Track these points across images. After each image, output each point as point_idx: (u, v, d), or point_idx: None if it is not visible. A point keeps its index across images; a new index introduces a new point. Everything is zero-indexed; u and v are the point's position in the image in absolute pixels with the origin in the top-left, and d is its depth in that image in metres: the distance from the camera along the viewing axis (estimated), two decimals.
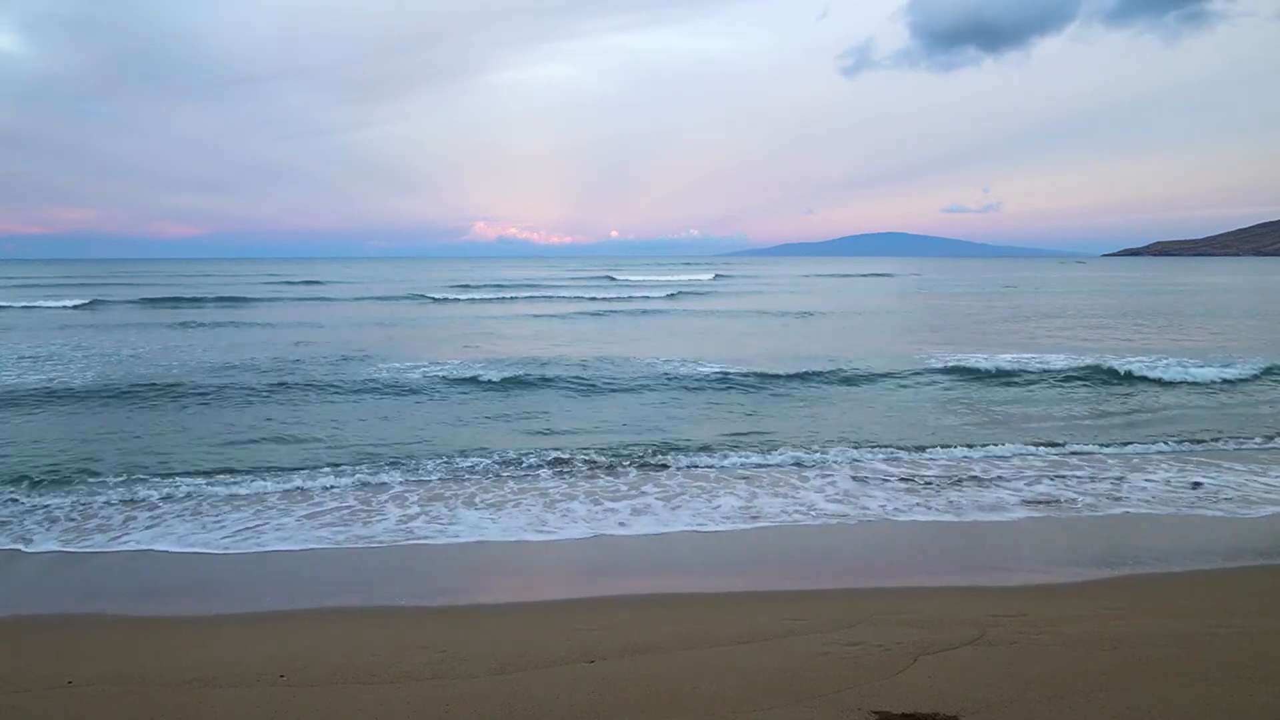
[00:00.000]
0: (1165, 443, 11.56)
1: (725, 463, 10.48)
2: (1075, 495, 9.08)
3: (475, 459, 10.49)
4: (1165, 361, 18.26)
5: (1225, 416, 13.48)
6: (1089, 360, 18.34)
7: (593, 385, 16.19)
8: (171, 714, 4.07)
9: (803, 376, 16.76)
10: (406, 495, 9.12)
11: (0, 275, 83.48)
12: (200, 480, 9.56)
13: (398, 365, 18.32)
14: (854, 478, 9.81)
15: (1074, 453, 11.04)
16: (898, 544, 7.77)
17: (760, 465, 10.39)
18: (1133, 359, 18.60)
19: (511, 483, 9.62)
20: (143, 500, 8.89)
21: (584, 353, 20.99)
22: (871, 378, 16.88)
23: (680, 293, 52.32)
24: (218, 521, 8.24)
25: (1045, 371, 17.33)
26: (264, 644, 5.28)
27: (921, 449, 11.14)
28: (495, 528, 8.10)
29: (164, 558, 7.39)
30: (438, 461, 10.40)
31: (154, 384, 15.67)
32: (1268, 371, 17.15)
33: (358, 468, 10.09)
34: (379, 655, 4.88)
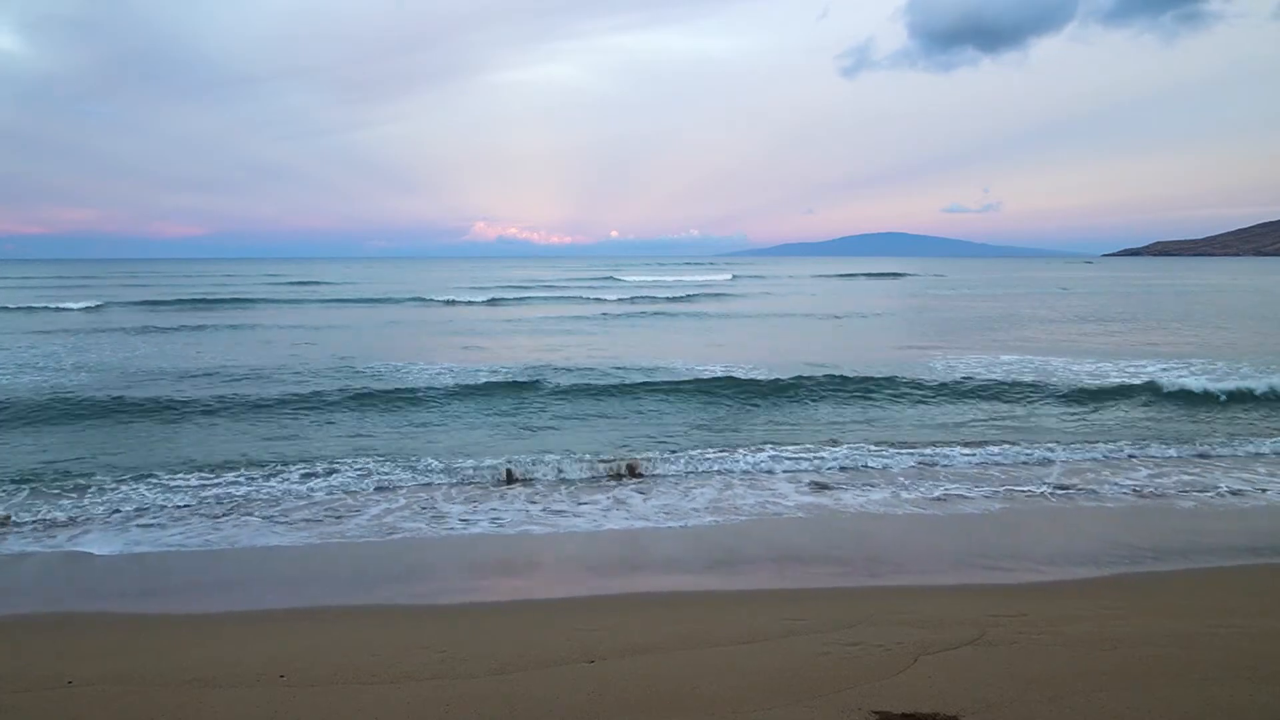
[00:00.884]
0: None
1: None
2: None
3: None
4: None
5: None
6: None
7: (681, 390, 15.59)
8: (171, 714, 4.06)
9: (891, 381, 15.95)
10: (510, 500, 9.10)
11: (0, 275, 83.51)
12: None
13: (451, 376, 16.96)
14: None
15: None
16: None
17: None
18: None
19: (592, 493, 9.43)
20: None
21: (644, 358, 19.92)
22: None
23: (699, 294, 50.33)
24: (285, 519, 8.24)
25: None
26: (264, 644, 5.28)
27: None
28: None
29: (164, 556, 7.40)
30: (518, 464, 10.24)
31: (191, 399, 14.29)
32: None
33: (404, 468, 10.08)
34: (379, 655, 4.88)
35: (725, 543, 7.78)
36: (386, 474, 9.88)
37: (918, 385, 15.90)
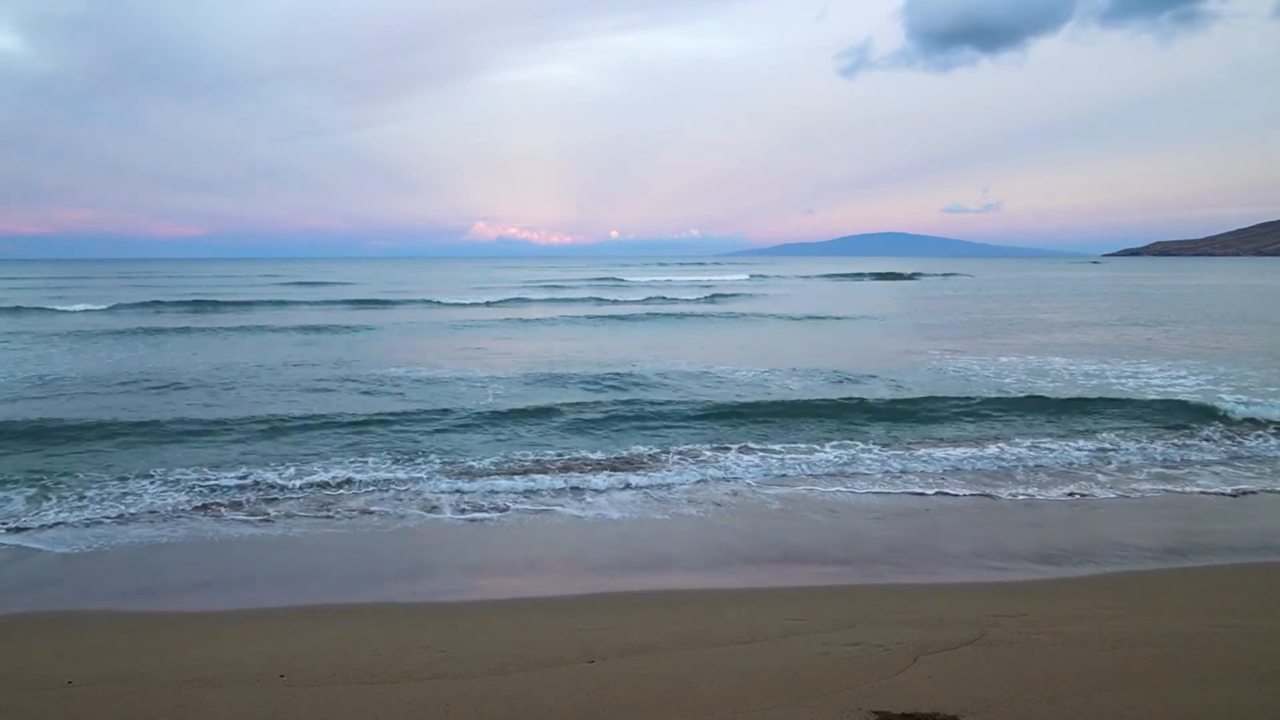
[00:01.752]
0: None
1: None
2: None
3: None
4: None
5: None
6: None
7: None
8: (171, 714, 4.06)
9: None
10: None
11: (1, 275, 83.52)
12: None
13: (517, 388, 15.95)
14: None
15: None
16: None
17: None
18: None
19: None
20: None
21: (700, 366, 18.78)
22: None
23: (722, 294, 48.81)
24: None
25: None
26: (264, 644, 5.28)
27: None
28: None
29: (167, 557, 7.40)
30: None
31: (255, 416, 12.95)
32: None
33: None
34: (379, 655, 4.88)
35: (726, 542, 7.78)
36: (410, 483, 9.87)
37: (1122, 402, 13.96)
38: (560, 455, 10.81)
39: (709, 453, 10.94)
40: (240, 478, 9.66)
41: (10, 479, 9.55)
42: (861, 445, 11.36)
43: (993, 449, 11.14)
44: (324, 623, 5.85)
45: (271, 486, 9.38)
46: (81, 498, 8.93)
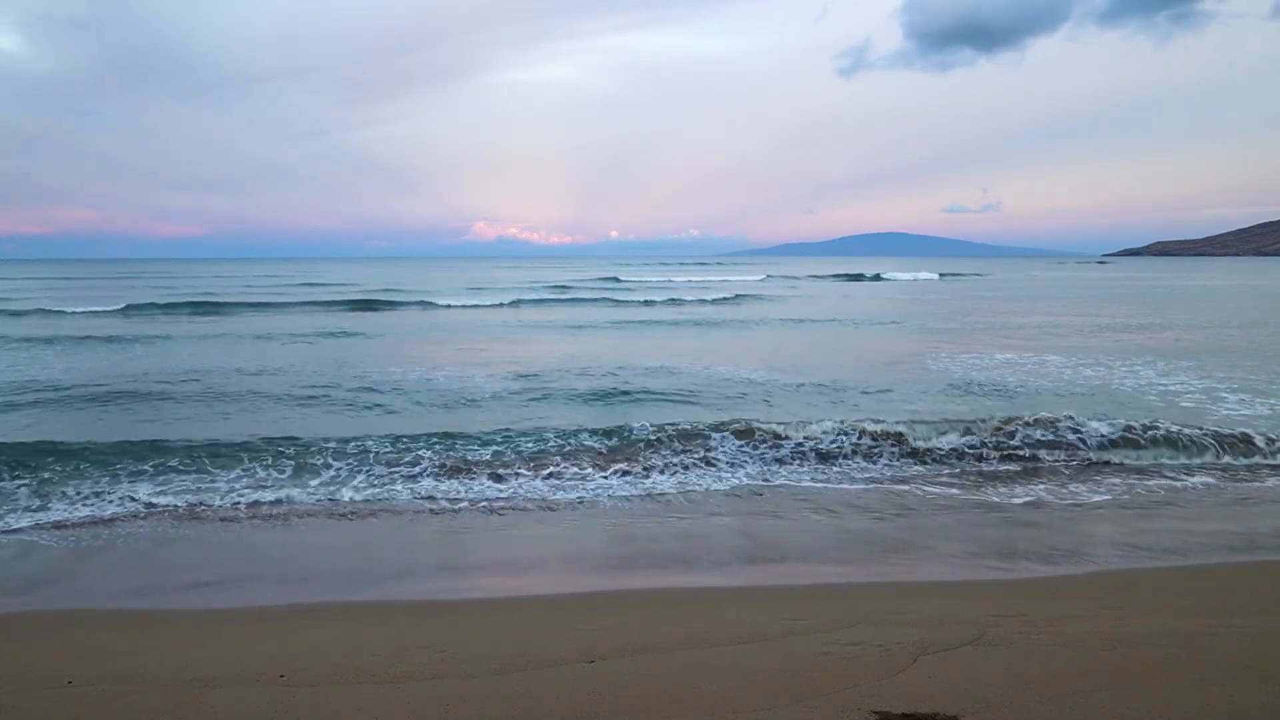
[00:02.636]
0: None
1: None
2: None
3: None
4: None
5: None
6: None
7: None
8: (171, 714, 4.07)
9: None
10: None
11: (2, 275, 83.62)
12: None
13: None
14: None
15: None
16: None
17: None
18: None
19: None
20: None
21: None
22: None
23: (740, 295, 46.74)
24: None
25: None
26: (264, 644, 5.29)
27: None
28: None
29: (167, 557, 7.41)
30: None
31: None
32: None
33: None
34: (379, 655, 4.89)
35: (727, 542, 7.79)
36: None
37: None
38: (562, 447, 10.82)
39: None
40: (240, 477, 9.67)
41: (11, 479, 9.56)
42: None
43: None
44: (324, 623, 5.86)
45: (272, 486, 9.39)
46: (82, 497, 8.94)
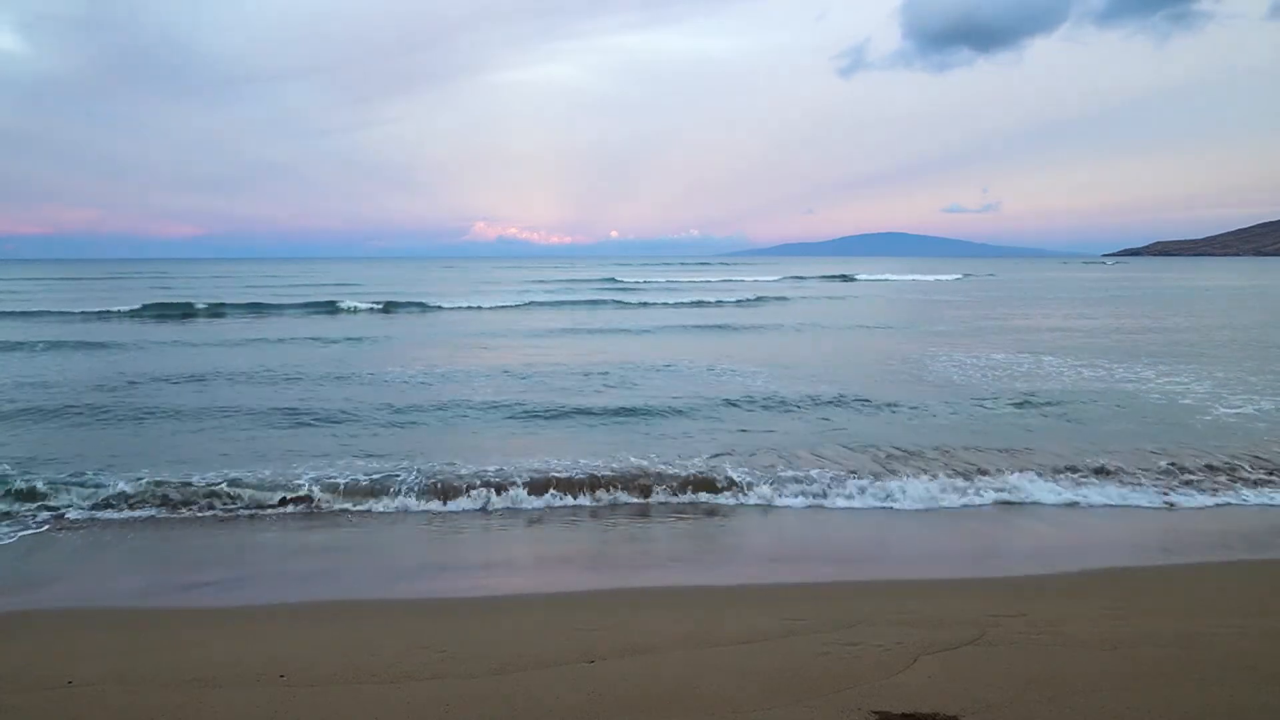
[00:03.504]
0: None
1: None
2: None
3: None
4: None
5: None
6: None
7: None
8: (171, 714, 4.07)
9: None
10: None
11: (2, 275, 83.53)
12: None
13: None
14: None
15: None
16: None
17: None
18: None
19: None
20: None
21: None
22: None
23: (760, 298, 45.07)
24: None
25: None
26: (264, 644, 5.29)
27: None
28: None
29: (170, 554, 7.41)
30: None
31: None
32: None
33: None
34: (379, 655, 4.89)
35: (726, 542, 7.79)
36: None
37: None
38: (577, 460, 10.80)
39: None
40: (241, 477, 9.65)
41: (11, 478, 9.56)
42: None
43: None
44: (324, 623, 5.85)
45: (272, 486, 9.37)
46: (83, 497, 8.93)
